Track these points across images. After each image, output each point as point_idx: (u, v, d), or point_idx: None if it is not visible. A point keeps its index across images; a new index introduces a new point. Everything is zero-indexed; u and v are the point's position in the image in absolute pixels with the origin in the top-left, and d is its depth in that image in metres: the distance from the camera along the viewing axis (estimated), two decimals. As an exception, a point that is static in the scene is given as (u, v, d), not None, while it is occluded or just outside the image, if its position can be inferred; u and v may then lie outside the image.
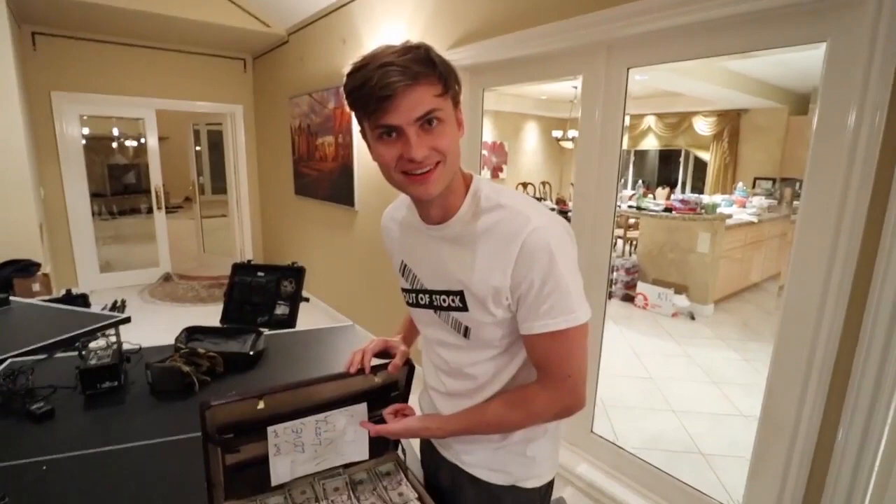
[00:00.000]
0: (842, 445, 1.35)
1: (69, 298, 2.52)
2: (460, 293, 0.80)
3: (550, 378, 0.79)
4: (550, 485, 0.95)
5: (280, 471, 0.87)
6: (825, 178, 1.36)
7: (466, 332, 0.83)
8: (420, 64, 0.67)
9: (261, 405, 0.82)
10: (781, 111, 6.88)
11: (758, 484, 1.61)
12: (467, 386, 0.88)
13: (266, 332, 1.79)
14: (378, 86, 0.65)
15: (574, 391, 0.80)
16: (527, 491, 0.91)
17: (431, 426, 0.88)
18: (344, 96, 0.73)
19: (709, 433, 2.63)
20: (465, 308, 0.81)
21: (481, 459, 0.90)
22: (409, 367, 0.98)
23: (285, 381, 0.86)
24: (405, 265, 0.92)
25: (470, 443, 0.91)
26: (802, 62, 4.78)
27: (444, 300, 0.83)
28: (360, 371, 0.91)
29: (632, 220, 5.98)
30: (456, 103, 0.75)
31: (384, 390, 0.97)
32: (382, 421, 0.93)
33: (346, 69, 0.72)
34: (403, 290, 0.94)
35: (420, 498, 0.92)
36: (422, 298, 0.88)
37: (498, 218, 0.76)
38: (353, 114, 0.76)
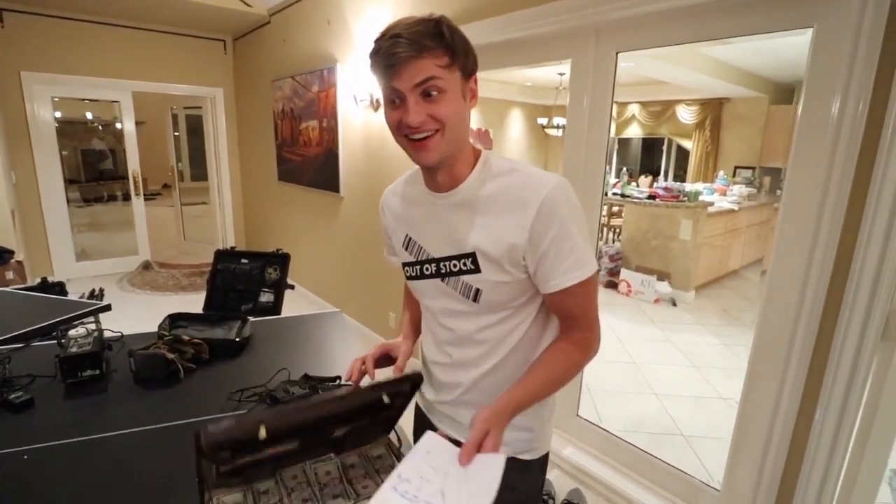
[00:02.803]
0: (819, 425, 1.40)
1: (45, 287, 2.44)
2: (472, 255, 0.82)
3: (581, 325, 0.85)
4: (546, 457, 0.98)
5: None
6: (809, 165, 1.38)
7: (476, 296, 0.84)
8: (427, 37, 0.72)
9: (262, 433, 0.74)
10: (762, 100, 6.98)
11: (738, 463, 1.66)
12: (476, 352, 0.89)
13: (252, 318, 1.76)
14: (386, 54, 0.73)
15: (599, 333, 0.87)
16: (526, 462, 0.93)
17: (520, 404, 0.81)
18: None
19: (690, 415, 2.69)
20: (477, 270, 0.82)
21: None
22: (412, 382, 0.91)
23: (285, 401, 0.81)
24: (409, 238, 0.93)
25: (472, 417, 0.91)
26: (783, 51, 4.84)
27: (455, 265, 0.84)
28: (362, 375, 0.92)
29: (616, 208, 6.03)
30: (469, 75, 0.79)
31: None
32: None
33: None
34: (406, 264, 0.94)
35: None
36: (427, 269, 0.89)
37: (512, 180, 0.81)
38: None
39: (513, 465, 0.88)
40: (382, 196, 1.02)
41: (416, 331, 1.07)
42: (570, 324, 0.86)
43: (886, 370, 1.32)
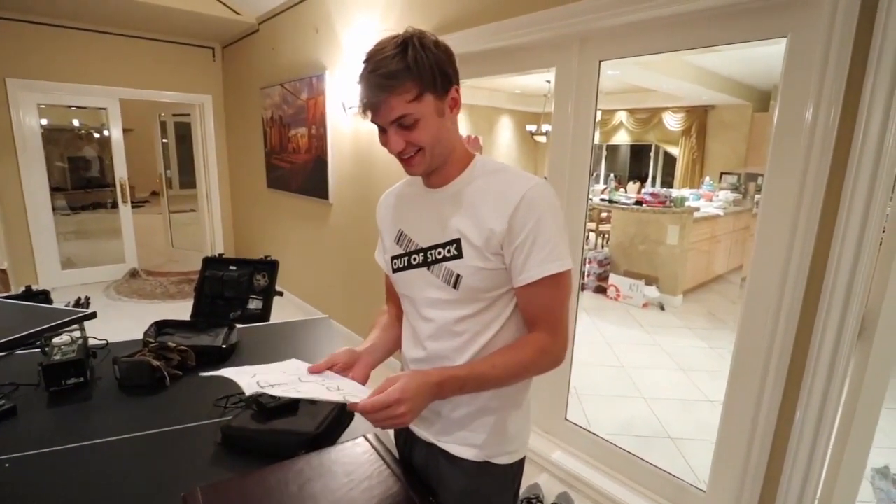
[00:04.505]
0: (799, 425, 1.42)
1: (29, 295, 2.41)
2: (457, 241, 0.87)
3: (547, 326, 0.86)
4: (522, 463, 0.98)
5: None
6: (784, 171, 1.42)
7: (457, 282, 0.87)
8: (395, 75, 0.78)
9: None
10: (746, 108, 7.11)
11: (722, 464, 1.68)
12: (452, 345, 0.91)
13: (239, 325, 1.76)
14: (364, 95, 0.82)
15: (565, 340, 0.88)
16: (499, 467, 0.94)
17: (462, 381, 0.81)
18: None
19: (677, 418, 2.72)
20: (459, 255, 0.86)
21: (455, 435, 0.93)
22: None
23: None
24: (401, 232, 0.97)
25: (445, 418, 0.93)
26: (765, 60, 4.95)
27: (440, 252, 0.89)
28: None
29: (604, 214, 6.09)
30: (445, 91, 0.84)
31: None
32: None
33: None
34: (395, 257, 0.97)
35: (393, 473, 0.93)
36: (415, 259, 0.93)
37: (499, 177, 0.87)
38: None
39: (484, 469, 0.91)
40: (381, 198, 1.07)
41: (384, 353, 1.03)
42: (534, 325, 0.88)
43: (863, 370, 1.35)
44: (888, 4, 1.17)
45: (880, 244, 1.28)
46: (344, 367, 0.93)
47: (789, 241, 1.41)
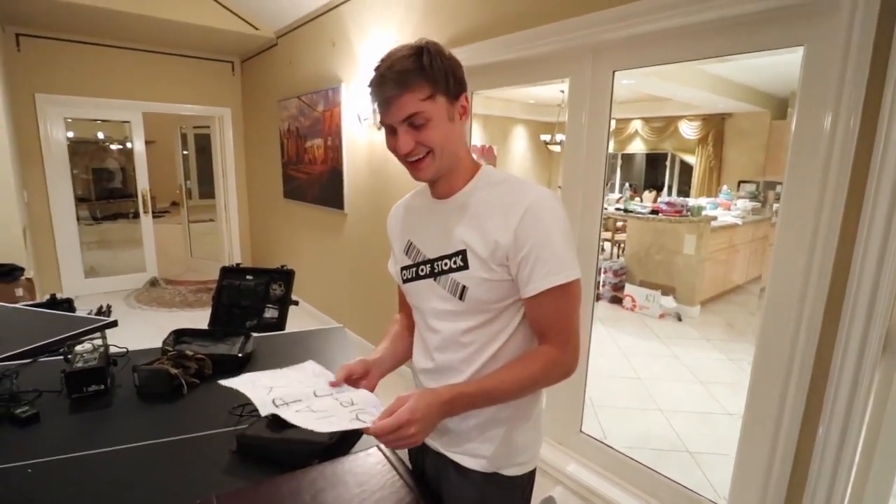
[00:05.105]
0: (822, 441, 1.39)
1: (53, 303, 2.48)
2: (462, 252, 0.87)
3: (557, 337, 0.85)
4: (532, 475, 0.98)
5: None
6: (803, 180, 1.40)
7: (462, 294, 0.87)
8: (408, 74, 0.79)
9: None
10: (764, 115, 7.01)
11: (743, 480, 1.64)
12: (459, 356, 0.91)
13: (255, 334, 1.78)
14: (376, 94, 0.83)
15: (576, 350, 0.87)
16: (509, 479, 0.93)
17: (471, 397, 0.83)
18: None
19: (696, 431, 2.66)
20: (465, 266, 0.86)
21: (464, 447, 0.93)
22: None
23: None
24: (411, 243, 0.98)
25: (454, 430, 0.93)
26: (783, 67, 4.88)
27: (446, 263, 0.89)
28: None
29: (619, 223, 6.04)
30: (456, 97, 0.85)
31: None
32: None
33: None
34: (404, 268, 0.98)
35: (406, 484, 0.93)
36: (423, 270, 0.94)
37: (505, 187, 0.88)
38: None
39: (493, 480, 0.91)
40: (392, 209, 1.08)
41: (391, 363, 1.05)
42: (543, 336, 0.87)
43: (889, 385, 1.31)
44: (908, 12, 1.15)
45: (904, 255, 1.25)
46: (359, 379, 0.95)
47: (809, 252, 1.38)
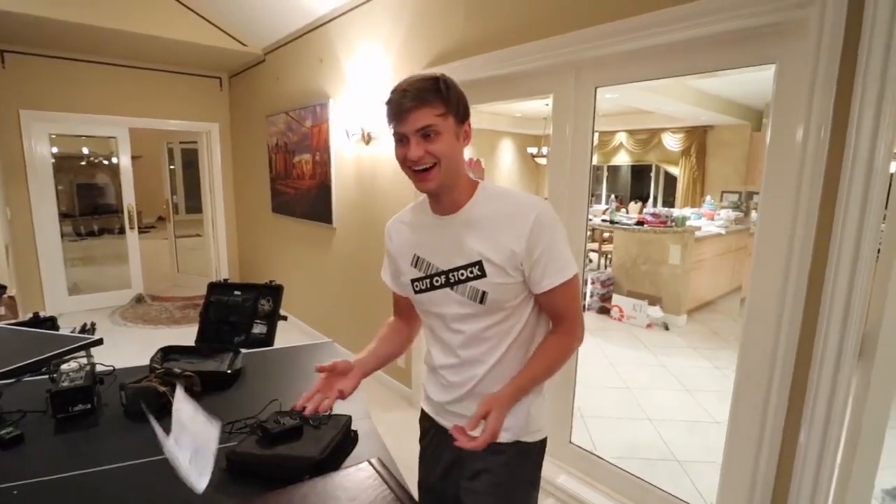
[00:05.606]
0: (804, 445, 1.42)
1: (37, 321, 2.44)
2: (478, 262, 0.99)
3: (568, 321, 1.05)
4: (544, 442, 1.13)
5: None
6: (779, 190, 1.45)
7: (483, 298, 1.00)
8: (427, 92, 0.93)
9: None
10: (745, 127, 7.19)
11: (729, 487, 1.66)
12: (483, 349, 1.04)
13: (244, 350, 1.77)
14: (395, 105, 0.94)
15: (582, 326, 1.07)
16: (528, 444, 1.09)
17: (522, 387, 1.00)
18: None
19: (684, 440, 2.69)
20: (483, 275, 0.99)
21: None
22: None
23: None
24: (418, 257, 1.08)
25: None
26: (763, 82, 5.03)
27: (462, 273, 1.01)
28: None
29: (606, 234, 6.12)
30: (462, 121, 0.99)
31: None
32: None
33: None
34: (415, 280, 1.08)
35: (398, 498, 0.94)
36: (437, 280, 1.04)
37: (507, 201, 1.01)
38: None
39: (516, 448, 1.08)
40: (389, 225, 1.16)
41: (375, 363, 1.15)
42: (559, 318, 1.05)
43: (866, 389, 1.35)
44: (871, 30, 1.21)
45: (876, 262, 1.30)
46: (340, 374, 1.06)
47: (786, 261, 1.42)
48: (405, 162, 0.96)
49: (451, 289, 1.02)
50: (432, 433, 1.18)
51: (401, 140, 0.96)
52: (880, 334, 1.30)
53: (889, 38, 1.18)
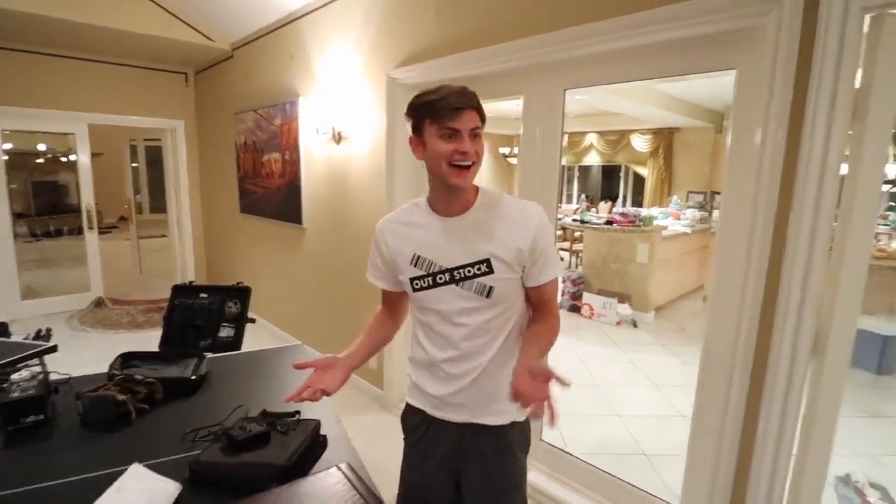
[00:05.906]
0: (763, 435, 1.47)
1: (-13, 328, 2.32)
2: (486, 260, 1.08)
3: (551, 308, 1.18)
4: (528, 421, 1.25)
5: None
6: (739, 191, 1.50)
7: (489, 293, 1.09)
8: (475, 99, 1.06)
9: None
10: (709, 130, 7.43)
11: (693, 478, 1.71)
12: (484, 340, 1.14)
13: (209, 355, 1.73)
14: (454, 101, 1.02)
15: (558, 313, 1.21)
16: (521, 423, 1.22)
17: (539, 351, 1.11)
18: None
19: (651, 435, 2.76)
20: (491, 271, 1.08)
21: (491, 408, 1.17)
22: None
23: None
24: (418, 256, 1.13)
25: (473, 403, 1.16)
26: (725, 87, 5.20)
27: (469, 270, 1.09)
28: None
29: (577, 233, 6.22)
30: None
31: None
32: None
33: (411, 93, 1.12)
34: (414, 278, 1.14)
35: (366, 502, 0.94)
36: (440, 278, 1.11)
37: (509, 206, 1.13)
38: (409, 121, 1.10)
39: (511, 427, 1.19)
40: (381, 225, 1.21)
41: (365, 353, 1.27)
42: (545, 306, 1.18)
43: (819, 383, 1.41)
44: (824, 37, 1.26)
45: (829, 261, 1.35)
46: (324, 368, 1.15)
47: (746, 259, 1.48)
48: (452, 155, 1.03)
49: (457, 285, 1.10)
50: (424, 427, 1.23)
51: (450, 136, 1.03)
52: (831, 330, 1.36)
53: (841, 45, 1.24)
